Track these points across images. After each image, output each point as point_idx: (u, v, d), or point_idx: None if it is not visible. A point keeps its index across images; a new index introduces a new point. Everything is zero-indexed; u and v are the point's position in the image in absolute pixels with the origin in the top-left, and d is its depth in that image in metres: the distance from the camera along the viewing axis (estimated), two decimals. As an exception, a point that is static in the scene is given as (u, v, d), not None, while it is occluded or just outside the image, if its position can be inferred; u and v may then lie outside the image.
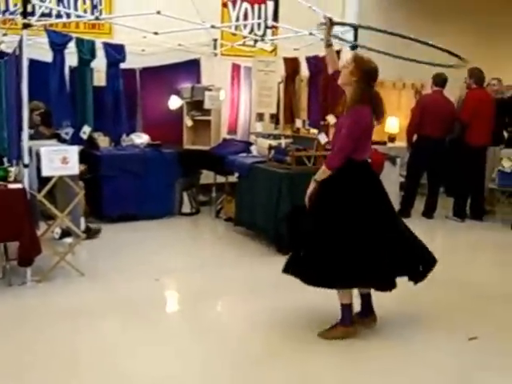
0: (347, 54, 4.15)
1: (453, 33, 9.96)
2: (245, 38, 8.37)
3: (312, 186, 3.98)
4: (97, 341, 3.97)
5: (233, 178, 7.03)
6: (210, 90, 7.89)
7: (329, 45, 4.32)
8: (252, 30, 9.04)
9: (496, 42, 10.94)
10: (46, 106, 6.54)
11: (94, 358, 3.70)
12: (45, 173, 4.93)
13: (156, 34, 7.06)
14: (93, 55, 7.06)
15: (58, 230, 5.92)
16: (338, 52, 6.81)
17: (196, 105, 7.97)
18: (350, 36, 6.15)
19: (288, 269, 4.05)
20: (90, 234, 6.25)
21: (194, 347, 3.92)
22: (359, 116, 3.86)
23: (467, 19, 10.10)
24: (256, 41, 8.33)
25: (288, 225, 4.53)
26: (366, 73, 3.89)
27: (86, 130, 6.94)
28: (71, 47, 6.82)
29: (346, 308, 4.01)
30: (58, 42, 6.55)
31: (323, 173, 3.92)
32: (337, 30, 5.82)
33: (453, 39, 9.79)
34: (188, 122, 8.04)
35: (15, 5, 7.05)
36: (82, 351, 3.80)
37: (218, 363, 3.69)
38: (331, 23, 4.39)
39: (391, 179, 7.18)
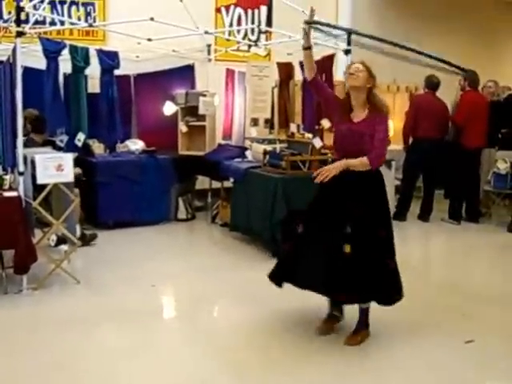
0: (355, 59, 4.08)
1: (447, 32, 10.00)
2: (238, 43, 8.39)
3: (339, 168, 3.81)
4: (93, 347, 3.96)
5: (228, 184, 7.03)
6: (205, 95, 7.90)
7: (308, 47, 4.02)
8: (246, 35, 9.06)
9: (491, 41, 10.96)
10: (40, 113, 6.53)
11: (91, 365, 3.69)
12: (40, 180, 4.92)
13: (150, 40, 7.09)
14: (87, 62, 7.09)
15: (53, 238, 5.89)
16: (333, 56, 6.87)
17: (190, 110, 7.97)
18: (343, 39, 6.15)
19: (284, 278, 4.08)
20: (86, 240, 6.25)
21: (191, 353, 3.91)
22: (387, 123, 3.99)
23: (461, 18, 10.10)
24: (250, 46, 8.35)
25: (283, 230, 4.54)
26: (375, 80, 3.95)
27: (80, 137, 6.96)
28: (65, 54, 6.84)
29: (366, 311, 4.10)
30: (51, 50, 6.58)
31: (362, 166, 3.85)
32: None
33: (447, 39, 9.91)
34: (183, 127, 8.04)
35: (9, 12, 7.06)
36: (79, 358, 3.78)
37: (215, 369, 3.67)
38: (311, 22, 4.08)
39: (387, 182, 7.13)
